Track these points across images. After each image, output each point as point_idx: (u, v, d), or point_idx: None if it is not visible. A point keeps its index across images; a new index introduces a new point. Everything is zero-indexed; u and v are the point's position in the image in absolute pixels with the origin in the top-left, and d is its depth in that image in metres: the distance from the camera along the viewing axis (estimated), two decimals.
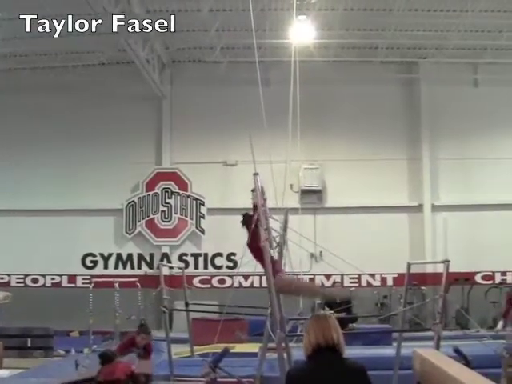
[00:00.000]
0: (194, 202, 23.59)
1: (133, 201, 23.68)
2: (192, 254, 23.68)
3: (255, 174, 8.45)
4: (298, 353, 8.07)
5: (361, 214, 23.22)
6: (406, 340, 12.49)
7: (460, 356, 9.67)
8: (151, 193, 23.72)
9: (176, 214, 23.65)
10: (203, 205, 23.58)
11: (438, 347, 9.99)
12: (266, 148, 12.29)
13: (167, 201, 23.71)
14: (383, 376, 10.56)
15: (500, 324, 12.80)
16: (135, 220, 23.63)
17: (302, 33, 19.70)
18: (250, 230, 8.66)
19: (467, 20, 20.11)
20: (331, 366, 4.90)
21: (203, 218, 23.57)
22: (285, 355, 8.21)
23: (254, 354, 12.80)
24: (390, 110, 23.77)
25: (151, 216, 23.67)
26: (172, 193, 23.71)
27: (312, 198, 23.28)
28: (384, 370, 10.97)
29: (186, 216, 23.66)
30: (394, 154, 23.52)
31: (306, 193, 23.10)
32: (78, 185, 23.47)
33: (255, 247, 8.66)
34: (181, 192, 23.69)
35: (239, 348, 13.95)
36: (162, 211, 23.70)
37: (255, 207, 8.63)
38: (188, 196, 23.67)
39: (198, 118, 23.65)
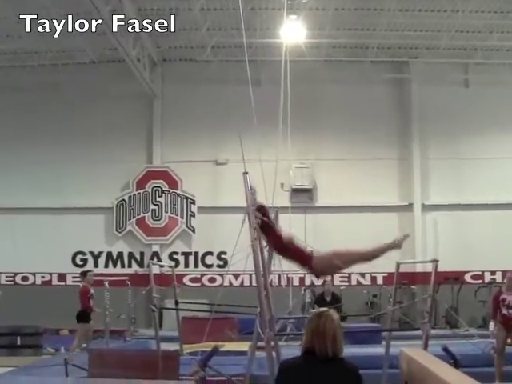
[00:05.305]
0: (185, 200, 23.59)
1: (123, 199, 23.66)
2: (182, 253, 23.68)
3: (245, 173, 8.44)
4: (287, 351, 8.10)
5: (351, 213, 23.26)
6: (396, 339, 12.50)
7: (448, 355, 9.70)
8: (142, 191, 23.70)
9: (166, 212, 23.64)
10: (194, 203, 23.59)
11: (426, 346, 10.02)
12: (256, 147, 12.30)
13: (158, 199, 23.70)
14: (372, 375, 10.57)
15: (491, 325, 12.84)
16: (125, 218, 23.61)
17: (292, 32, 19.70)
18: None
19: (458, 20, 20.20)
20: (324, 364, 4.95)
21: (193, 216, 23.57)
22: (274, 354, 8.22)
23: (244, 353, 12.80)
24: (381, 110, 23.83)
25: (142, 215, 23.65)
26: (162, 191, 23.69)
27: (302, 197, 23.30)
28: (373, 369, 10.98)
29: (177, 215, 23.65)
30: (385, 154, 23.57)
31: (296, 192, 23.13)
32: (68, 183, 23.42)
33: (278, 246, 8.57)
34: (171, 191, 23.68)
35: (229, 346, 13.91)
36: (153, 210, 23.68)
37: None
38: (178, 195, 23.67)
39: (189, 116, 23.66)
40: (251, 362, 11.16)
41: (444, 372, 5.92)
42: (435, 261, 10.73)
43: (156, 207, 23.71)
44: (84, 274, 16.39)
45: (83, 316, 15.51)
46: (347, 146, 23.73)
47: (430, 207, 23.54)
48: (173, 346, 14.09)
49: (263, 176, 11.15)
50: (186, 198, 23.63)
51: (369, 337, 16.02)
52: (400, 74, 23.92)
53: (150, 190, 23.71)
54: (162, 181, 23.70)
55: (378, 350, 13.08)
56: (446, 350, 9.79)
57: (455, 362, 9.30)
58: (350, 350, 11.69)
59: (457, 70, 23.81)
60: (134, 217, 23.63)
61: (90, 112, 23.67)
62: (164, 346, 13.40)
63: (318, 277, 9.16)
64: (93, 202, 23.35)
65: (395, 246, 9.05)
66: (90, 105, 23.68)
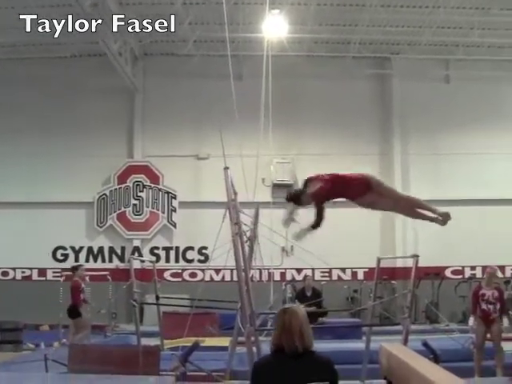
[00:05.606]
0: (166, 195, 23.53)
1: (104, 194, 23.55)
2: (163, 248, 23.60)
3: (226, 168, 8.45)
4: (268, 347, 8.10)
5: (332, 209, 23.07)
6: (376, 334, 12.56)
7: (428, 350, 9.76)
8: (123, 186, 23.61)
9: (147, 207, 23.56)
10: (175, 198, 23.52)
11: (406, 341, 10.06)
12: (237, 142, 12.30)
13: (139, 194, 23.62)
14: (353, 370, 10.64)
15: (471, 320, 12.92)
16: (106, 213, 23.50)
17: (275, 27, 19.72)
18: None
19: (439, 16, 20.27)
20: (297, 360, 4.93)
21: (175, 211, 23.51)
22: (254, 349, 8.22)
23: (225, 348, 12.83)
24: (362, 106, 23.85)
25: (122, 209, 23.56)
26: (144, 186, 23.61)
27: (284, 192, 23.12)
28: (353, 364, 11.04)
29: (158, 209, 23.58)
30: (366, 149, 23.56)
31: (277, 187, 23.09)
32: (48, 177, 23.24)
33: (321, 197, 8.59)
34: (152, 185, 23.60)
35: (209, 342, 13.94)
36: (134, 204, 23.60)
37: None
38: (160, 189, 23.59)
39: (171, 111, 23.60)
40: (232, 358, 11.18)
41: (423, 367, 5.95)
42: (416, 256, 10.79)
43: (137, 202, 23.62)
44: (75, 268, 16.26)
45: (74, 311, 15.39)
46: (328, 142, 23.73)
47: None
48: (153, 341, 14.09)
49: (244, 171, 11.15)
50: (167, 192, 23.57)
51: (349, 332, 16.09)
52: (382, 69, 23.96)
53: (131, 185, 23.62)
54: (143, 175, 23.62)
55: (358, 345, 13.12)
56: (425, 345, 9.84)
57: (435, 357, 9.35)
58: (330, 345, 11.78)
59: (438, 65, 23.88)
60: (114, 211, 23.54)
61: (71, 106, 23.50)
62: (145, 341, 13.38)
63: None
64: (74, 196, 23.18)
65: (438, 214, 8.84)
66: (71, 99, 23.50)
